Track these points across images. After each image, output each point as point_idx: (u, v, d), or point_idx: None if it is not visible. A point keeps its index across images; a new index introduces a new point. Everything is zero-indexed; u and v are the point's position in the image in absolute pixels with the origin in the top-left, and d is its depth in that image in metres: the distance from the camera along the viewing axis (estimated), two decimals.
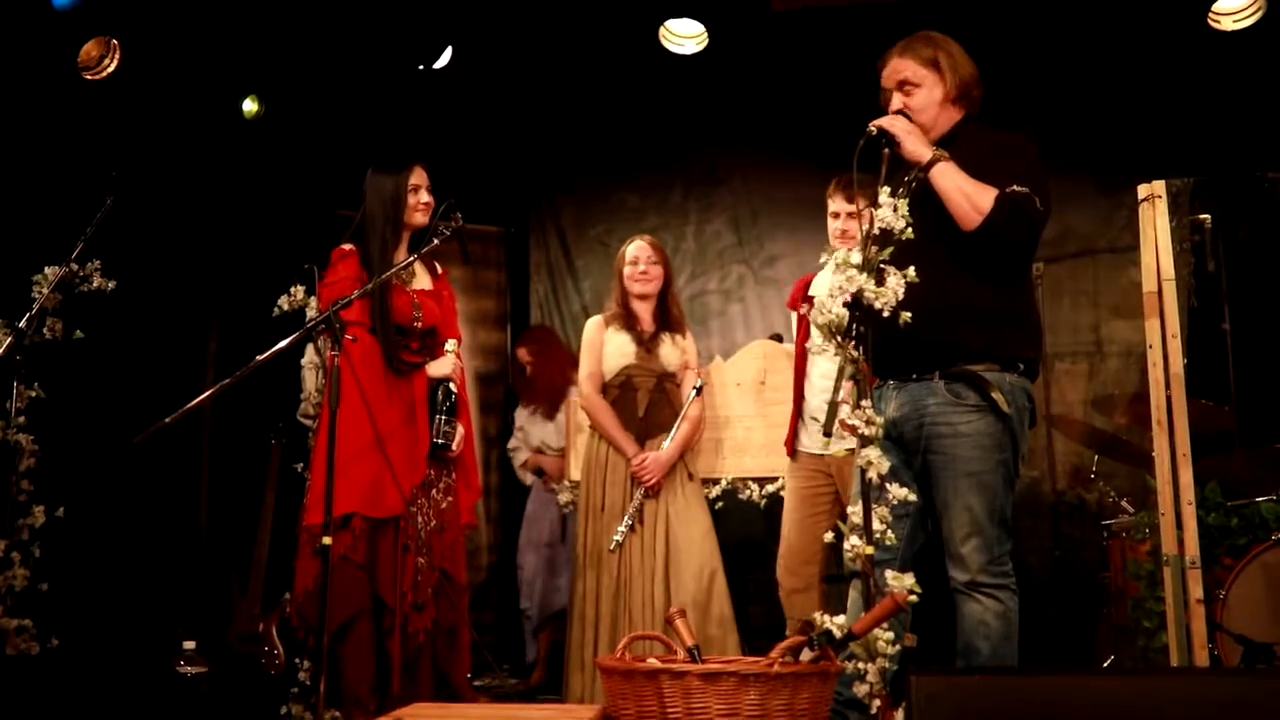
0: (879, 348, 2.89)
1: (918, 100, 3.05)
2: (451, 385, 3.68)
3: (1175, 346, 3.41)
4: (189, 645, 4.26)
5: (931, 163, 2.92)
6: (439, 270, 3.89)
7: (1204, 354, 4.58)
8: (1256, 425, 4.59)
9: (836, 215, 4.03)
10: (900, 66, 3.07)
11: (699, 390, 4.34)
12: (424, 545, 3.56)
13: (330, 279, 3.62)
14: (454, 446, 3.67)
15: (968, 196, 2.89)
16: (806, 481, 4.08)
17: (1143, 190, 3.54)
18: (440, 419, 3.64)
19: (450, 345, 3.73)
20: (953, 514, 2.96)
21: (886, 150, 2.94)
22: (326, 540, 3.04)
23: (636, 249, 4.40)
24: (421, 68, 5.28)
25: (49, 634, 3.74)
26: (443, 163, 3.91)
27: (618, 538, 4.13)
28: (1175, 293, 3.44)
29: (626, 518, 4.15)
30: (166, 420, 2.88)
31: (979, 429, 2.94)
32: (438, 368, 3.69)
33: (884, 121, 2.96)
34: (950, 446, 2.95)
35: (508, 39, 5.34)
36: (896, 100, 3.06)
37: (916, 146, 2.94)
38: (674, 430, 4.25)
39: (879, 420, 2.66)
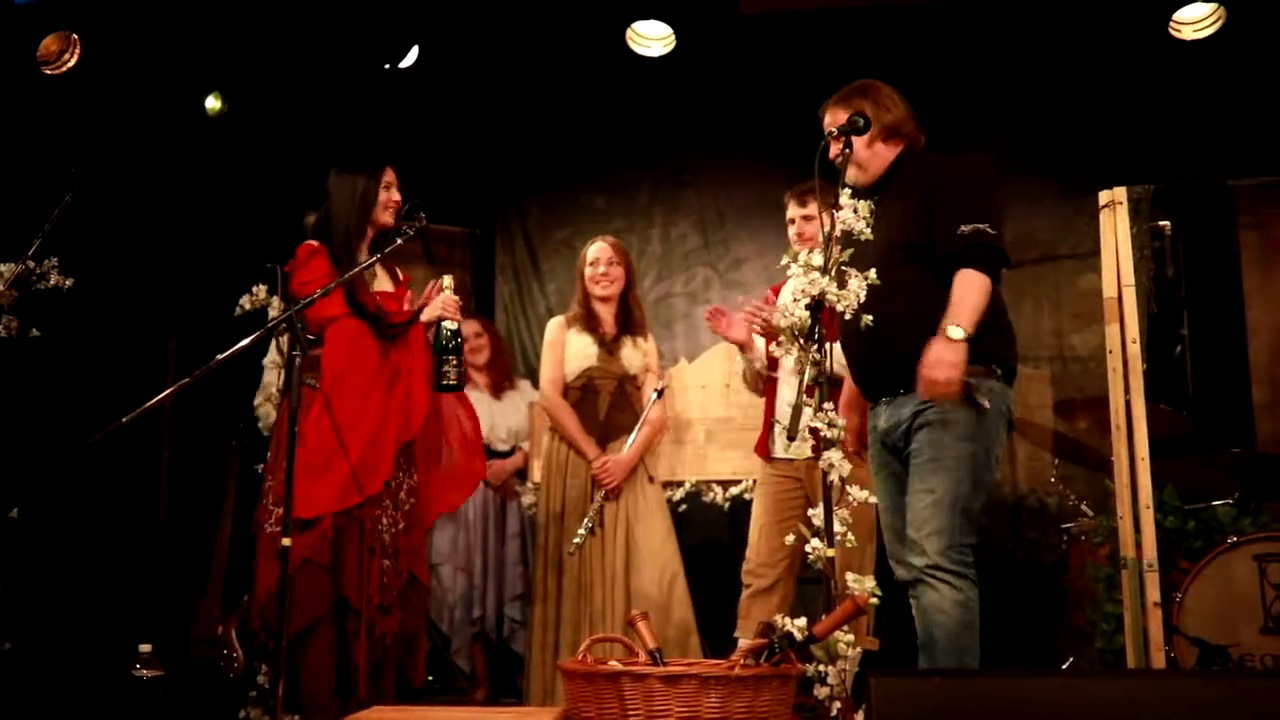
0: (867, 375, 3.12)
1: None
2: (448, 324, 3.58)
3: (1135, 351, 3.45)
4: (145, 648, 4.19)
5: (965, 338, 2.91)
6: (401, 277, 3.85)
7: (1163, 359, 4.64)
8: (1214, 430, 4.66)
9: (792, 221, 4.10)
10: (833, 119, 3.21)
11: (660, 393, 4.33)
12: (389, 547, 3.53)
13: (304, 277, 3.56)
14: (462, 383, 3.61)
15: (983, 298, 2.95)
16: (778, 486, 4.08)
17: (1104, 196, 3.58)
18: (443, 359, 3.55)
19: (446, 281, 3.64)
20: (914, 498, 3.01)
21: (848, 151, 2.99)
22: (286, 542, 3.01)
23: (597, 250, 4.39)
24: (388, 67, 5.25)
25: (2, 637, 3.69)
26: (408, 163, 3.89)
27: (577, 540, 4.11)
28: (1135, 298, 3.48)
29: (586, 519, 4.13)
30: (124, 420, 2.85)
31: (951, 419, 3.00)
32: (429, 312, 3.61)
33: (931, 389, 2.92)
34: (923, 436, 3.03)
35: (475, 39, 5.32)
36: (833, 149, 3.12)
37: (954, 365, 2.89)
38: (635, 433, 4.24)
39: (840, 423, 2.68)
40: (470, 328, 5.23)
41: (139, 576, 5.03)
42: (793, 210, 4.10)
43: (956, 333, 2.88)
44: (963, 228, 2.98)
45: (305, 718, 3.44)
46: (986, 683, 2.31)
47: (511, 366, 5.45)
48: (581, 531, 4.12)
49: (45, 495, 4.35)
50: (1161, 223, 4.46)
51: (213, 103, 5.20)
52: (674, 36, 5.22)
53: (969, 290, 2.95)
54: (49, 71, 4.67)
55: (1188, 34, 5.00)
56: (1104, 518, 4.19)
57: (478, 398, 5.10)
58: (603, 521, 4.18)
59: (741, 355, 4.15)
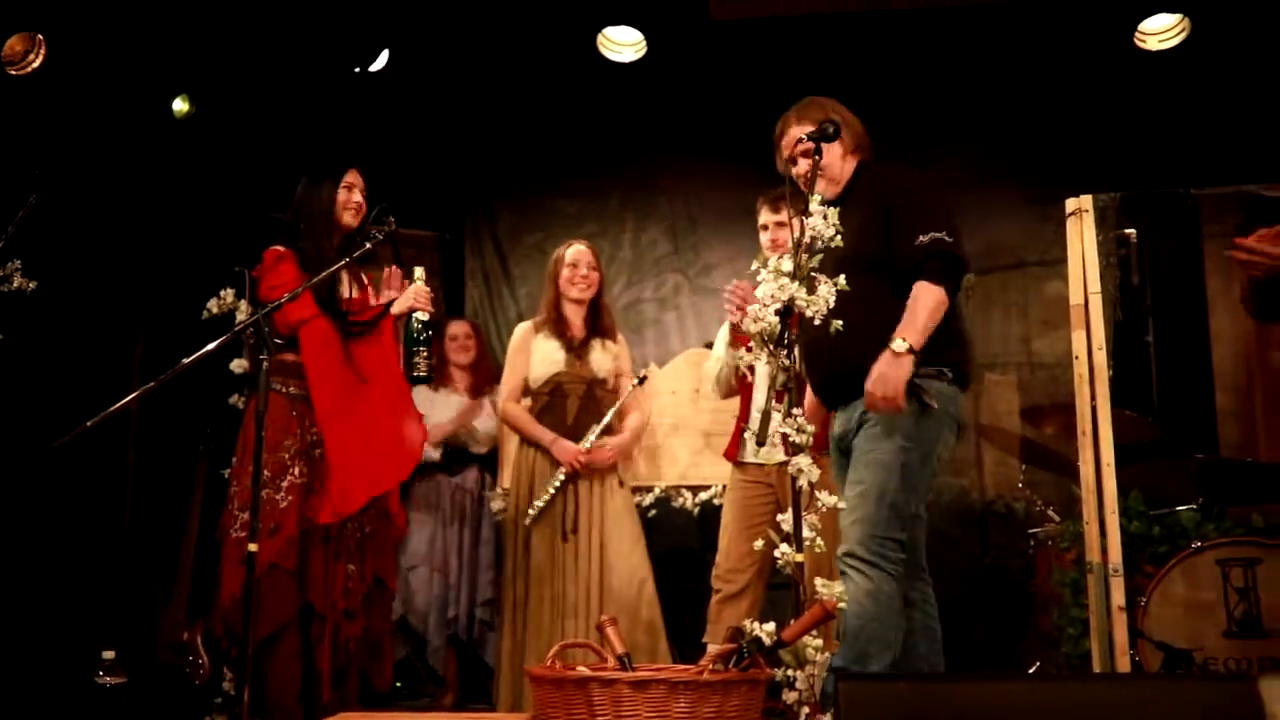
0: (824, 383, 3.15)
1: (823, 159, 3.12)
2: (418, 315, 3.57)
3: (1101, 358, 3.48)
4: (109, 655, 4.15)
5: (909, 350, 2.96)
6: (365, 282, 3.83)
7: (1128, 366, 4.68)
8: (1178, 435, 4.70)
9: (765, 227, 4.11)
10: (800, 132, 3.20)
11: (642, 380, 4.34)
12: (354, 552, 3.51)
13: (273, 282, 3.53)
14: (433, 375, 3.64)
15: (937, 309, 2.99)
16: (748, 492, 4.08)
17: (1070, 204, 3.61)
18: (414, 351, 3.54)
19: (418, 273, 3.63)
20: (847, 490, 3.06)
21: (817, 157, 3.01)
22: (253, 547, 2.99)
23: (576, 253, 4.38)
24: (358, 70, 5.22)
25: None
26: (379, 166, 3.86)
27: (532, 510, 4.11)
28: (1101, 305, 3.51)
29: (546, 494, 4.12)
30: (89, 424, 2.82)
31: (891, 419, 3.02)
32: (400, 304, 3.60)
33: (873, 404, 2.98)
34: (863, 434, 3.08)
35: (446, 43, 5.30)
36: (803, 164, 3.15)
37: (896, 380, 2.95)
38: (628, 421, 4.26)
39: (810, 429, 2.69)
40: (461, 328, 5.24)
41: (104, 582, 4.97)
42: (766, 216, 4.10)
43: (900, 345, 2.94)
44: (921, 238, 3.03)
45: None
46: (953, 687, 2.33)
47: (494, 373, 5.43)
48: (538, 503, 4.12)
49: (9, 499, 4.29)
50: (1127, 230, 4.50)
51: (180, 105, 5.16)
52: (645, 42, 5.22)
53: (921, 304, 2.99)
54: (13, 72, 4.62)
55: (1153, 44, 5.06)
56: (1070, 523, 4.22)
57: (457, 399, 5.09)
58: (576, 528, 4.16)
59: (728, 351, 4.13)
